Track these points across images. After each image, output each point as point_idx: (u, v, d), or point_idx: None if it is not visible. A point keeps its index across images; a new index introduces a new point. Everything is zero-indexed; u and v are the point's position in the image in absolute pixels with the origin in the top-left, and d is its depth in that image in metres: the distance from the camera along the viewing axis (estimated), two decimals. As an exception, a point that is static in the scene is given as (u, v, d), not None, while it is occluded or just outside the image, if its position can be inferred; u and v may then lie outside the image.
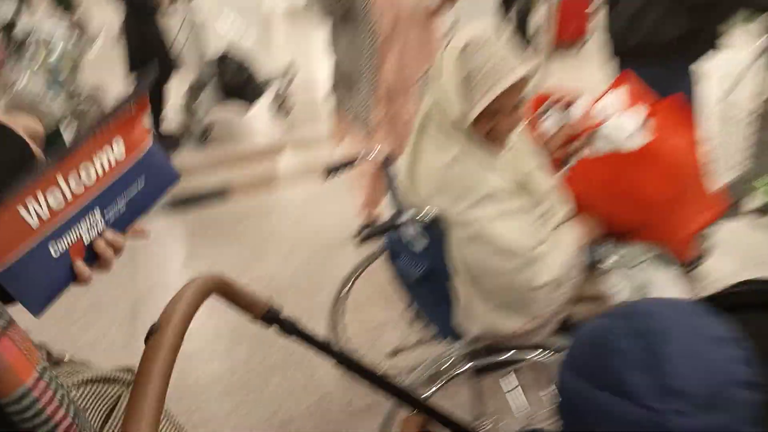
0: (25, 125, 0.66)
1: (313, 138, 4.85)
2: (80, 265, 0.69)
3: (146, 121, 0.77)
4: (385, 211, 2.61)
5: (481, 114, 1.22)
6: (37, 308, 0.66)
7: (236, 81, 4.86)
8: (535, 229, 1.30)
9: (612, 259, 1.45)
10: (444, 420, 1.08)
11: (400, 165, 1.43)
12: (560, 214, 1.39)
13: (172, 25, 4.73)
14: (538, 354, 1.41)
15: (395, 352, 2.03)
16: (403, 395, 1.07)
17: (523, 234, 1.25)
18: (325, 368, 2.21)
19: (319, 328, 2.37)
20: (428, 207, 1.31)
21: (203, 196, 3.96)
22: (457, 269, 1.29)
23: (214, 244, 3.30)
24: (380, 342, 2.30)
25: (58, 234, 0.67)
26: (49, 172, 0.64)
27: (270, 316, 0.94)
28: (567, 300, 1.31)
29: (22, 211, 0.62)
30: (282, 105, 5.50)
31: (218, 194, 3.96)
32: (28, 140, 0.63)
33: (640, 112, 1.53)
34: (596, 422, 0.60)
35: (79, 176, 0.68)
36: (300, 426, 1.97)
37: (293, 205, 3.68)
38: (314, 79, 6.60)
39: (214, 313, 2.57)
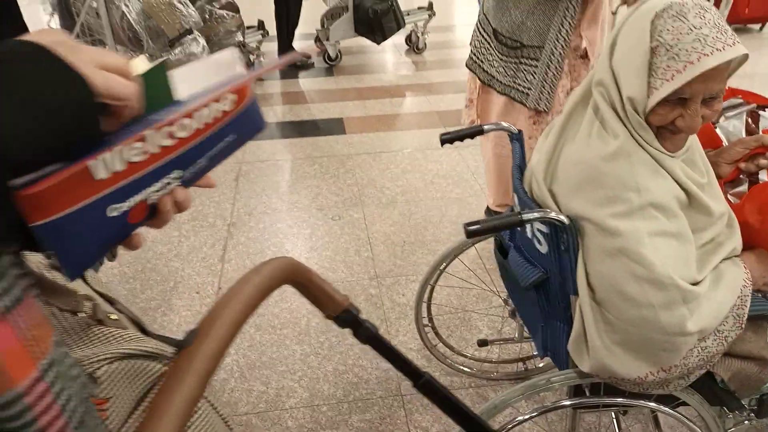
0: (102, 60, 0.49)
1: (440, 83, 4.61)
2: (136, 231, 0.56)
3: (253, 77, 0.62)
4: (508, 197, 2.33)
5: (665, 99, 0.96)
6: (74, 272, 0.54)
7: (376, 9, 4.65)
8: (697, 260, 1.02)
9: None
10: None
11: (539, 149, 1.18)
12: (728, 247, 1.10)
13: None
14: (658, 406, 1.16)
15: (483, 343, 1.84)
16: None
17: (681, 263, 0.99)
18: (406, 336, 2.09)
19: (407, 293, 2.28)
20: (564, 205, 1.07)
21: (320, 124, 3.89)
22: (583, 287, 1.06)
23: (320, 176, 3.22)
24: (468, 326, 2.12)
25: (122, 193, 0.53)
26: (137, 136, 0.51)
27: (345, 318, 0.79)
28: (713, 355, 1.04)
29: (91, 164, 0.49)
30: (416, 44, 5.26)
31: (335, 126, 3.87)
32: (93, 85, 0.46)
33: None
34: None
35: (171, 132, 0.54)
36: (369, 391, 1.87)
37: (405, 151, 3.50)
38: (450, 25, 6.29)
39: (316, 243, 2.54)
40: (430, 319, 1.85)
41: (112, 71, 0.47)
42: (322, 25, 4.82)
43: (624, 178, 0.99)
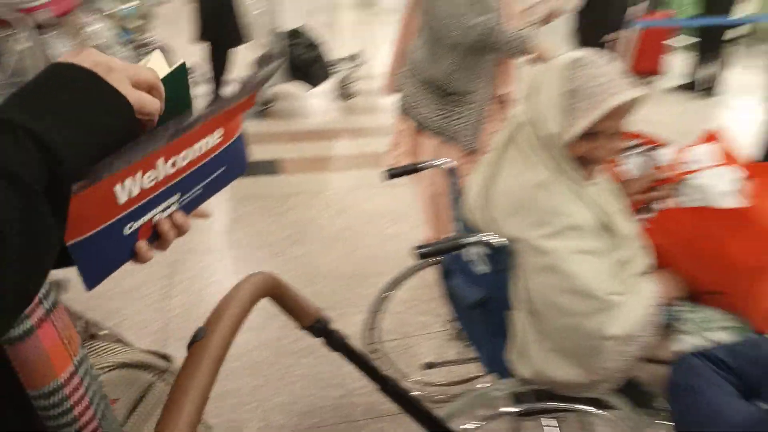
0: (137, 77, 0.55)
1: (369, 128, 4.81)
2: (144, 245, 0.65)
3: (245, 113, 0.71)
4: (446, 228, 2.50)
5: (581, 134, 1.14)
6: (92, 283, 0.62)
7: (305, 58, 4.83)
8: (614, 275, 1.20)
9: (689, 322, 1.34)
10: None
11: (474, 181, 1.35)
12: (640, 265, 1.29)
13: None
14: (591, 409, 1.32)
15: (430, 366, 1.96)
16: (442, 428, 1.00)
17: (600, 276, 1.16)
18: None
19: (354, 324, 2.37)
20: (499, 229, 1.22)
21: (257, 165, 3.96)
22: (520, 302, 1.21)
23: (259, 215, 3.29)
24: (415, 350, 2.23)
25: (137, 213, 0.62)
26: (157, 153, 0.59)
27: (318, 327, 0.89)
28: (634, 359, 1.21)
29: (117, 188, 0.57)
30: (345, 91, 5.47)
31: (270, 166, 3.95)
32: (133, 101, 0.54)
33: (737, 171, 1.42)
34: None
35: (174, 162, 0.63)
36: (321, 419, 1.92)
37: (342, 191, 3.64)
38: (377, 72, 6.57)
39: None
40: (380, 343, 1.95)
41: (143, 86, 0.54)
42: (258, 69, 4.93)
43: (549, 204, 1.16)
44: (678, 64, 6.35)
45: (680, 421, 1.04)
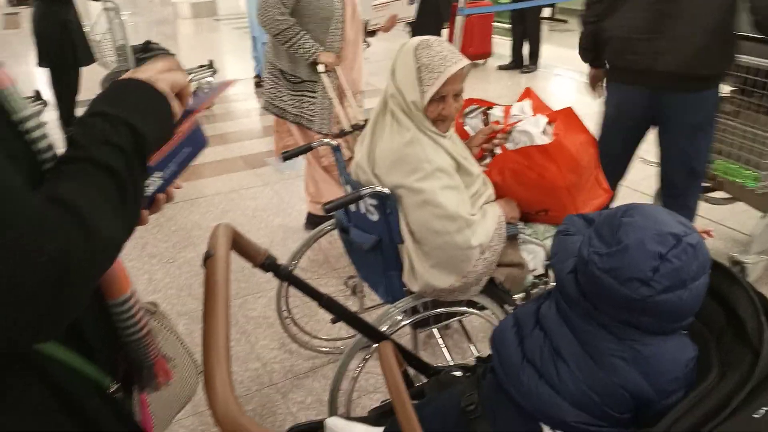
0: (173, 83, 0.74)
1: (234, 132, 4.97)
2: (144, 211, 0.86)
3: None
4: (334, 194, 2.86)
5: (432, 99, 1.52)
6: None
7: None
8: (470, 202, 1.60)
9: (525, 234, 1.79)
10: (404, 352, 1.34)
11: (358, 148, 1.68)
12: (486, 195, 1.70)
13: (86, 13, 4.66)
14: (467, 309, 1.71)
15: (335, 320, 2.25)
16: (376, 332, 1.32)
17: (461, 204, 1.54)
18: (266, 340, 2.41)
19: (257, 307, 2.60)
20: (382, 182, 1.56)
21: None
22: (405, 235, 1.56)
23: (141, 230, 3.34)
24: (322, 312, 2.51)
25: None
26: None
27: (268, 263, 1.16)
28: (491, 263, 1.61)
29: None
30: (202, 99, 5.53)
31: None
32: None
33: (545, 118, 1.89)
34: None
35: None
36: (247, 387, 2.15)
37: (220, 195, 3.79)
38: (225, 76, 6.69)
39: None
40: (289, 312, 2.22)
41: (177, 90, 0.76)
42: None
43: (418, 155, 1.52)
44: (504, 45, 7.22)
45: None
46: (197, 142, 0.98)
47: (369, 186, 1.56)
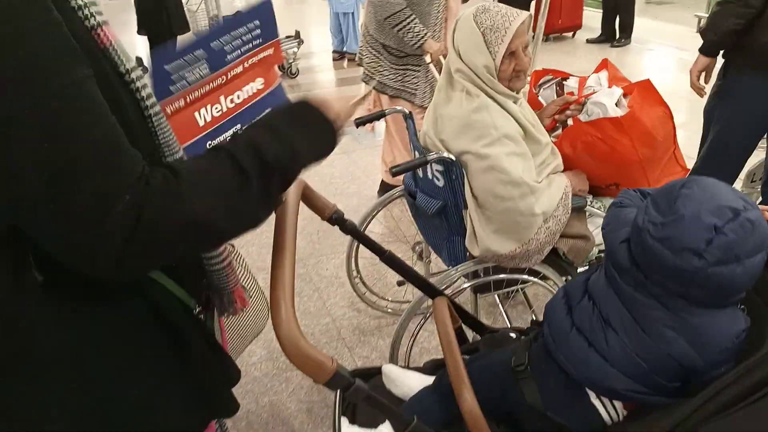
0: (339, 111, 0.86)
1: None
2: None
3: (277, 66, 1.02)
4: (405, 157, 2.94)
5: (503, 57, 1.55)
6: None
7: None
8: (535, 170, 1.62)
9: (593, 207, 1.78)
10: (460, 310, 1.40)
11: (427, 115, 1.73)
12: (553, 164, 1.71)
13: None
14: (529, 278, 1.74)
15: (401, 283, 2.35)
16: (433, 288, 1.39)
17: (527, 171, 1.56)
18: (335, 295, 2.54)
19: (330, 267, 2.73)
20: (448, 148, 1.61)
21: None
22: (470, 199, 1.61)
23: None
24: (390, 274, 2.61)
25: (212, 134, 0.95)
26: (216, 90, 0.92)
27: (335, 217, 1.25)
28: (554, 233, 1.63)
29: (196, 114, 0.91)
30: (288, 70, 5.73)
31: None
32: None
33: (618, 90, 1.85)
34: None
35: (231, 99, 0.96)
36: (317, 339, 2.29)
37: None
38: (315, 51, 6.86)
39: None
40: (358, 272, 2.33)
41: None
42: None
43: (485, 121, 1.55)
44: (595, 18, 6.93)
45: None
46: (278, 99, 1.07)
47: (435, 152, 1.61)
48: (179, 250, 0.67)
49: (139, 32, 4.73)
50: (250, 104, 1.01)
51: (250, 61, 0.98)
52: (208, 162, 0.69)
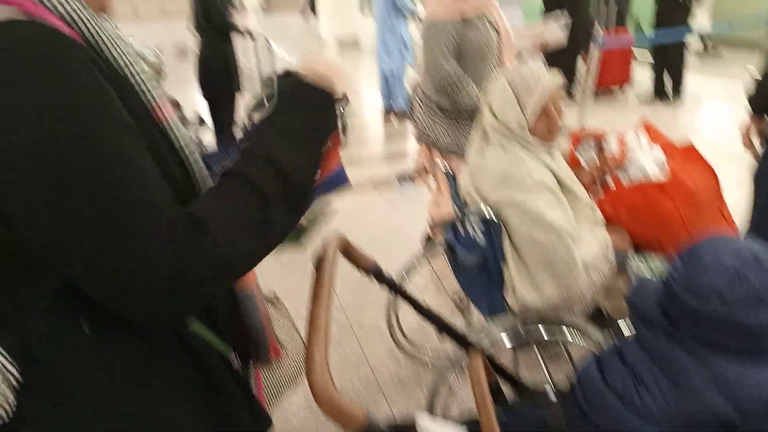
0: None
1: (364, 156, 5.27)
2: None
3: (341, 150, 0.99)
4: (448, 212, 2.97)
5: (535, 114, 1.62)
6: None
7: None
8: (573, 219, 1.65)
9: (638, 265, 1.78)
10: (495, 364, 1.41)
11: (464, 170, 1.80)
12: (593, 218, 1.73)
13: (241, 47, 5.23)
14: (567, 334, 1.73)
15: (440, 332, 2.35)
16: (467, 341, 1.40)
17: (564, 218, 1.60)
18: (374, 345, 2.57)
19: (370, 315, 2.77)
20: (486, 199, 1.66)
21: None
22: (508, 249, 1.64)
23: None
24: (429, 326, 2.62)
25: None
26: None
27: (374, 271, 1.30)
28: (596, 285, 1.63)
29: None
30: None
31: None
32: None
33: (659, 150, 1.87)
34: None
35: None
36: (354, 390, 2.31)
37: (347, 213, 4.03)
38: (365, 107, 7.10)
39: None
40: (398, 322, 2.35)
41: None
42: (249, 117, 5.41)
43: (521, 171, 1.61)
44: (644, 74, 6.93)
45: None
46: (339, 181, 1.05)
47: (474, 206, 1.65)
48: (216, 288, 0.71)
49: (203, 91, 5.02)
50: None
51: None
52: (227, 197, 0.69)
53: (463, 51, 2.63)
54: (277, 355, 1.03)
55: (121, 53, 0.71)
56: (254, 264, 0.73)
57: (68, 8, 0.66)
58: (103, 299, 0.64)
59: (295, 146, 0.75)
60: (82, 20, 0.67)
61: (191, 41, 5.09)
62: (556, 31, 3.02)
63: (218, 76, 4.88)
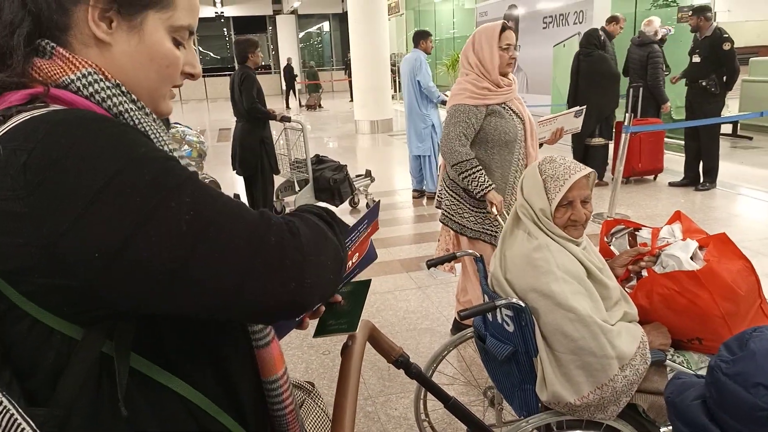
0: None
1: (391, 237, 5.30)
2: (307, 317, 1.01)
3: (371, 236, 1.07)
4: (475, 300, 2.93)
5: (559, 205, 1.64)
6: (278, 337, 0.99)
7: (335, 179, 5.49)
8: (604, 311, 1.60)
9: (675, 362, 1.70)
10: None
11: (494, 256, 1.79)
12: (626, 309, 1.68)
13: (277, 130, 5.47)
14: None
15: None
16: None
17: (594, 310, 1.56)
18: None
19: (399, 407, 2.69)
20: (514, 287, 1.64)
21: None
22: (540, 342, 1.59)
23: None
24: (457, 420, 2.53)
25: None
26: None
27: (400, 360, 1.28)
28: (631, 384, 1.56)
29: None
30: (357, 204, 6.08)
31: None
32: None
33: (693, 242, 1.84)
34: None
35: None
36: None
37: (376, 295, 4.03)
38: (388, 190, 7.24)
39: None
40: (426, 415, 2.27)
41: None
42: (277, 197, 5.60)
43: (548, 259, 1.60)
44: (677, 161, 6.94)
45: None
46: (369, 258, 1.08)
47: (504, 295, 1.63)
48: (330, 270, 0.77)
49: (240, 172, 5.22)
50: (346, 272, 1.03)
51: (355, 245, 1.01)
52: (302, 218, 0.78)
53: (486, 137, 2.72)
54: (303, 451, 1.00)
55: (166, 146, 0.76)
56: (327, 265, 0.77)
57: (116, 102, 0.72)
58: (245, 306, 0.69)
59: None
60: (127, 112, 0.73)
61: (232, 124, 5.35)
62: (571, 120, 3.13)
63: (255, 156, 5.08)
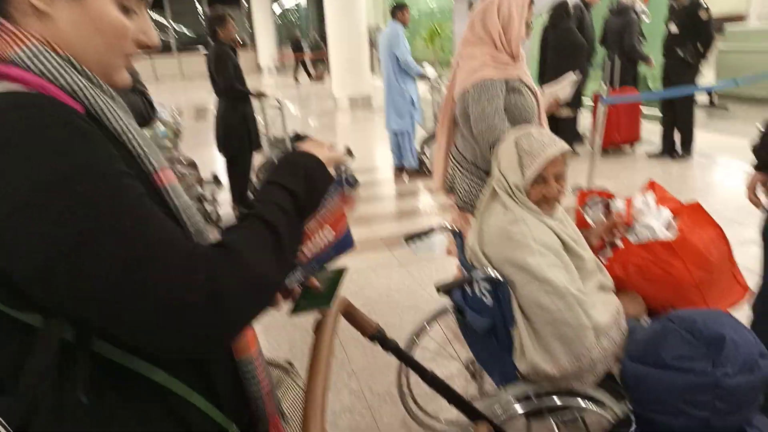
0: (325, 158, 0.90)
1: (375, 215, 5.30)
2: (280, 297, 1.00)
3: (348, 214, 1.03)
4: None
5: (534, 182, 1.64)
6: None
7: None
8: (580, 282, 1.62)
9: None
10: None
11: (471, 228, 1.80)
12: (601, 280, 1.70)
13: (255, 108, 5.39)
14: (582, 402, 1.67)
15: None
16: (475, 411, 1.37)
17: (570, 282, 1.58)
18: (389, 417, 2.50)
19: (383, 382, 2.71)
20: (490, 260, 1.65)
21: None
22: (517, 313, 1.61)
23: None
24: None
25: None
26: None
27: (377, 336, 1.28)
28: (608, 353, 1.59)
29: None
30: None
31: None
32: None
33: (667, 211, 1.86)
34: None
35: (303, 251, 0.96)
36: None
37: (358, 272, 4.03)
38: (370, 167, 7.21)
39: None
40: (410, 390, 2.29)
41: (331, 163, 0.91)
42: (257, 177, 5.54)
43: (524, 232, 1.61)
44: (654, 131, 6.99)
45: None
46: (346, 244, 1.05)
47: (481, 269, 1.64)
48: (253, 311, 0.73)
49: (221, 150, 5.14)
50: (321, 253, 1.00)
51: (323, 217, 0.98)
52: (245, 228, 0.75)
53: (508, 114, 2.56)
54: (278, 431, 1.00)
55: (120, 121, 0.74)
56: (278, 284, 0.78)
57: (68, 80, 0.69)
58: (140, 331, 0.64)
59: (294, 184, 0.83)
60: (81, 90, 0.70)
61: (210, 102, 5.25)
62: (566, 89, 3.04)
63: (238, 136, 5.00)
